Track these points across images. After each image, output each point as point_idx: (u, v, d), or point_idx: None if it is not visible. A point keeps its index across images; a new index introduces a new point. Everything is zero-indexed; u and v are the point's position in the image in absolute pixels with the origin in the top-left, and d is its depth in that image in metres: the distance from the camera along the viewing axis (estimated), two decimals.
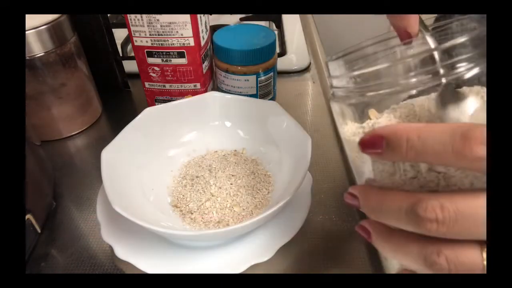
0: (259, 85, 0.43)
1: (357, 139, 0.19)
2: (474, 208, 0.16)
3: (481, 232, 0.16)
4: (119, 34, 0.55)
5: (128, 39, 0.58)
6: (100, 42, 0.46)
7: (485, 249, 0.17)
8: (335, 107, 0.22)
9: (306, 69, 0.55)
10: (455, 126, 0.17)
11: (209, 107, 0.41)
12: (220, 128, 0.41)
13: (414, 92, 0.19)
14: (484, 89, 0.19)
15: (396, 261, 0.21)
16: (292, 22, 0.66)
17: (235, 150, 0.41)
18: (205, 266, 0.30)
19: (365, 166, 0.21)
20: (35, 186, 0.33)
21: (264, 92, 0.45)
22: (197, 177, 0.37)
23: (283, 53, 0.57)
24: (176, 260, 0.30)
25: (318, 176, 0.38)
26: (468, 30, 0.19)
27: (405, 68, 0.19)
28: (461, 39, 0.18)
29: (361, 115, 0.21)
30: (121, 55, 0.55)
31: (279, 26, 0.64)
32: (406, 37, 0.23)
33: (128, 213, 0.28)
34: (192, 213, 0.34)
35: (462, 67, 0.18)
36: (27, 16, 0.36)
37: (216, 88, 0.47)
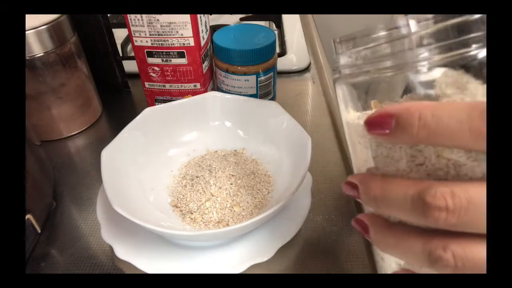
0: (259, 85, 0.43)
1: (361, 121, 0.18)
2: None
3: None
4: (119, 34, 0.55)
5: (128, 39, 0.59)
6: (100, 42, 0.46)
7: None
8: (339, 91, 0.21)
9: (306, 69, 0.55)
10: (474, 104, 0.15)
11: (209, 107, 0.41)
12: (220, 128, 0.41)
13: (424, 69, 0.17)
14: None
15: (395, 258, 0.20)
16: (292, 22, 0.66)
17: (235, 150, 0.41)
18: (205, 266, 0.30)
19: (366, 153, 0.19)
20: (35, 186, 0.33)
21: (264, 92, 0.45)
22: (197, 177, 0.37)
23: (283, 53, 0.57)
24: (176, 260, 0.30)
25: (318, 176, 0.38)
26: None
27: (410, 46, 0.17)
28: (472, 17, 0.16)
29: (365, 101, 0.20)
30: (121, 55, 0.55)
31: (279, 26, 0.64)
32: None
33: (128, 213, 0.28)
34: (192, 213, 0.34)
35: (473, 47, 0.16)
36: (27, 16, 0.36)
37: (216, 88, 0.47)
